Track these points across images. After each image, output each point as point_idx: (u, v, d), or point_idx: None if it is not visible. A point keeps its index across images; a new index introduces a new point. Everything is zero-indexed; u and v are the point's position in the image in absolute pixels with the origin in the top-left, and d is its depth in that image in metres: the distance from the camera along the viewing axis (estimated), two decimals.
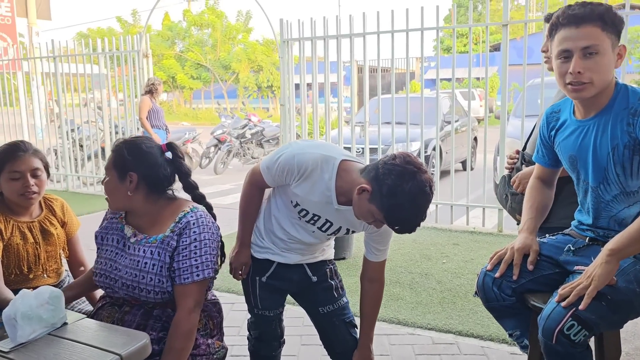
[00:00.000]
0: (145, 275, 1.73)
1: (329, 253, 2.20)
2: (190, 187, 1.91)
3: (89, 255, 1.90)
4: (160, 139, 7.09)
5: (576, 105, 1.79)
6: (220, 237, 1.87)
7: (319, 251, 2.14)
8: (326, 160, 1.84)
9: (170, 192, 1.87)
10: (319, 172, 1.84)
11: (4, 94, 8.61)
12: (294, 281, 2.12)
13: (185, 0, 34.65)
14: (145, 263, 1.74)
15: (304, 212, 1.94)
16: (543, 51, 2.14)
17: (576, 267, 1.74)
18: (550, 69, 1.89)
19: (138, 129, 7.44)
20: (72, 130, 8.07)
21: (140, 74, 7.43)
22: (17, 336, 1.43)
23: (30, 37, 13.48)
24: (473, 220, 5.57)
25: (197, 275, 1.73)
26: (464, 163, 9.24)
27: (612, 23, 1.63)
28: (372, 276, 2.08)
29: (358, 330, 2.17)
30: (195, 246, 1.74)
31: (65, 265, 2.33)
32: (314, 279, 2.12)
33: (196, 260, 1.73)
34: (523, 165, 2.27)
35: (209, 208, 1.91)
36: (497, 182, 2.53)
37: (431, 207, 3.05)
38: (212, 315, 1.93)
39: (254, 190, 2.05)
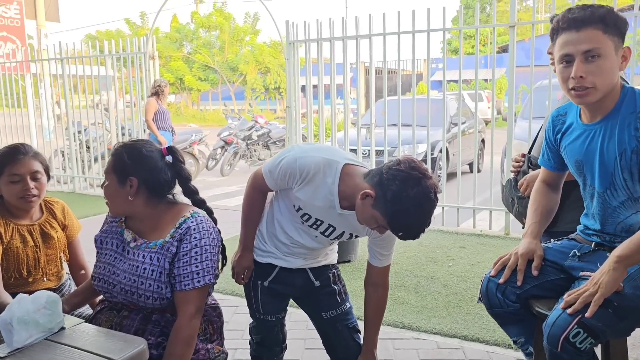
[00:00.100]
0: (144, 281, 1.72)
1: (332, 257, 2.19)
2: (190, 192, 1.89)
3: (94, 258, 1.88)
4: (167, 140, 7.12)
5: (582, 109, 1.76)
6: (222, 240, 1.86)
7: (322, 256, 2.12)
8: (329, 163, 1.82)
9: (170, 196, 1.85)
10: (321, 176, 1.82)
11: (12, 95, 8.66)
12: (296, 286, 2.10)
13: (194, 2, 34.87)
14: (145, 269, 1.72)
15: (307, 216, 1.92)
16: (549, 53, 2.11)
17: (582, 273, 1.71)
18: None
19: (144, 130, 7.46)
20: (79, 132, 8.09)
21: (147, 76, 7.45)
22: (13, 341, 1.41)
23: (39, 39, 13.57)
24: (480, 223, 5.53)
25: (198, 281, 1.71)
26: (471, 165, 9.19)
27: (614, 25, 1.60)
28: (376, 281, 2.06)
29: (361, 336, 2.14)
30: (196, 252, 1.72)
31: (66, 269, 2.32)
32: (317, 283, 2.11)
33: (197, 267, 1.71)
34: (530, 169, 2.24)
35: (210, 212, 1.89)
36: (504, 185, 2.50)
37: (438, 210, 3.02)
38: (211, 320, 1.91)
39: (257, 194, 2.03)
